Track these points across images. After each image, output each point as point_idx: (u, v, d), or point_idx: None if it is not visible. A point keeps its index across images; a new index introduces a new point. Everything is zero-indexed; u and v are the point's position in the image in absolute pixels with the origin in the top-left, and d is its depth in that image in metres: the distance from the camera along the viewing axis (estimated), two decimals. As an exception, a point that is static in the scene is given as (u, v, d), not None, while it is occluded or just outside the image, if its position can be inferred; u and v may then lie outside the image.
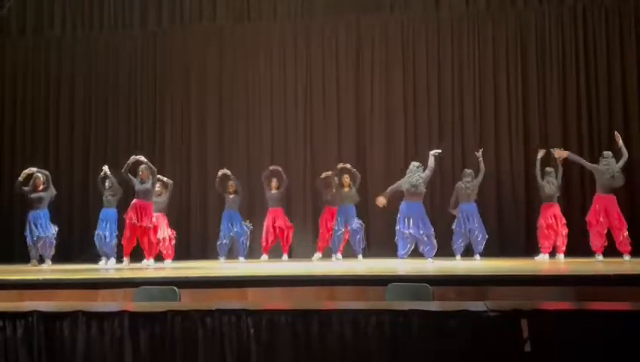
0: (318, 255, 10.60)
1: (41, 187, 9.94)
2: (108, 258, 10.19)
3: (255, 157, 12.30)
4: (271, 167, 10.93)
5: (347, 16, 12.24)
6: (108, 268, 9.53)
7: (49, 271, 8.90)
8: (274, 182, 10.93)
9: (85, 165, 12.59)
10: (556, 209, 9.73)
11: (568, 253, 9.59)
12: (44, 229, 9.86)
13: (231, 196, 10.79)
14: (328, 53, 12.30)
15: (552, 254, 9.59)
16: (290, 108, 12.31)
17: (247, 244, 10.91)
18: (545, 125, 11.50)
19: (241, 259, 10.76)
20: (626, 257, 8.92)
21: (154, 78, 12.73)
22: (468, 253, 10.12)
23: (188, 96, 12.60)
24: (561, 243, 9.62)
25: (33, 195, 9.91)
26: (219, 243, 10.79)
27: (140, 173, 9.28)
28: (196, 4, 12.61)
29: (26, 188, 9.91)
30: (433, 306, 3.64)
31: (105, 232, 10.25)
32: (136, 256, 9.58)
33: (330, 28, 12.34)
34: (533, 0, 11.74)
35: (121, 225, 9.87)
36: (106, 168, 10.26)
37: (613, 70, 11.36)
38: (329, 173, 10.58)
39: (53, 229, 9.99)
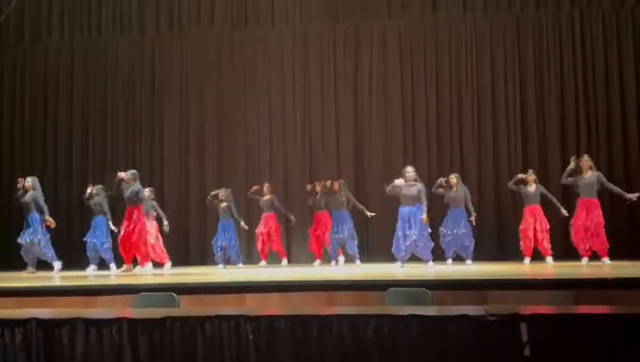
0: (317, 262, 10.65)
1: (30, 192, 9.93)
2: (98, 264, 10.23)
3: (254, 161, 12.32)
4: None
5: (345, 22, 12.26)
6: (96, 274, 9.54)
7: (47, 277, 8.87)
8: (266, 188, 10.96)
9: (84, 170, 12.59)
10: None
11: (569, 257, 9.63)
12: (32, 234, 9.87)
13: (222, 205, 10.79)
14: (326, 58, 12.31)
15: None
16: (289, 112, 12.32)
17: (240, 252, 10.94)
18: (543, 129, 11.52)
19: (240, 265, 10.79)
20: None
21: (152, 83, 12.74)
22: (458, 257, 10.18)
23: (186, 101, 12.60)
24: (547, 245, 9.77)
25: (22, 200, 9.94)
26: (215, 255, 10.84)
27: (125, 178, 9.31)
28: (194, 10, 12.63)
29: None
30: (432, 311, 3.63)
31: (94, 239, 10.34)
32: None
33: (328, 33, 12.35)
34: (530, 5, 11.76)
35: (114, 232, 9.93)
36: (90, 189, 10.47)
37: (610, 74, 11.39)
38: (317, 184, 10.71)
39: (43, 235, 9.97)
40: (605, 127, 11.32)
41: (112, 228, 10.18)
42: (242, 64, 12.48)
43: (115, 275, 9.18)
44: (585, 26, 11.58)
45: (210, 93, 12.56)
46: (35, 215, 9.88)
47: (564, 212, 9.51)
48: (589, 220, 9.00)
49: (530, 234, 9.69)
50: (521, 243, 9.81)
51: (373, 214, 10.51)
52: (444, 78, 11.92)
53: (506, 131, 11.64)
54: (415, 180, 9.17)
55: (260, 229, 10.92)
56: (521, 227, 9.81)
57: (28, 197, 9.90)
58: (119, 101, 12.74)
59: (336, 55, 12.29)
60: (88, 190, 10.50)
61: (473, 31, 11.91)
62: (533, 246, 9.76)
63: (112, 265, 10.20)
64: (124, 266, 9.29)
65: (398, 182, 9.13)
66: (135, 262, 9.32)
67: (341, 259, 10.46)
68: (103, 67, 12.80)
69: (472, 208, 9.93)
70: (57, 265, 9.86)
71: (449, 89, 11.88)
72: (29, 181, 9.99)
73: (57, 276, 9.12)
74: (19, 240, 9.90)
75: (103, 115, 12.74)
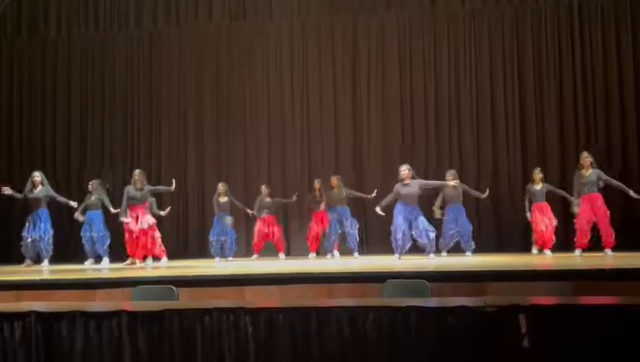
0: (312, 255, 10.70)
1: (39, 187, 9.94)
2: (95, 258, 10.28)
3: (252, 156, 12.31)
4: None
5: (343, 15, 12.24)
6: (94, 268, 9.55)
7: (47, 271, 8.88)
8: (265, 190, 10.95)
9: (82, 165, 12.59)
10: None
11: (568, 249, 9.64)
12: (41, 230, 9.86)
13: (222, 199, 10.79)
14: (325, 51, 12.29)
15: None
16: (287, 106, 12.31)
17: (235, 247, 10.96)
18: (542, 121, 11.52)
19: (230, 258, 10.82)
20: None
21: (150, 78, 12.73)
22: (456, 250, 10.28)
23: (185, 95, 12.59)
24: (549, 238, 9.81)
25: (31, 196, 9.91)
26: (212, 248, 10.87)
27: (135, 178, 9.32)
28: (192, 3, 12.60)
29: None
30: (431, 302, 3.64)
31: (90, 234, 10.34)
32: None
33: (327, 26, 12.32)
34: (529, -3, 11.77)
35: (117, 227, 9.88)
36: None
37: (609, 66, 11.37)
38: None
39: (50, 231, 9.97)
40: (604, 119, 11.31)
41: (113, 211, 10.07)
42: (240, 57, 12.45)
43: (105, 269, 9.19)
44: (583, 17, 11.56)
45: (209, 86, 12.54)
46: (44, 210, 9.86)
47: (577, 202, 9.21)
48: (593, 213, 8.97)
49: (541, 228, 9.80)
50: (533, 236, 9.97)
51: (374, 195, 10.41)
52: (442, 70, 11.90)
53: (505, 123, 11.64)
54: (412, 177, 9.12)
55: (260, 228, 10.90)
56: (531, 222, 9.98)
57: (39, 192, 9.87)
58: (117, 95, 12.72)
59: (334, 48, 12.26)
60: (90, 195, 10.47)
61: (472, 23, 11.88)
62: (543, 237, 9.84)
63: (106, 259, 10.20)
64: (129, 259, 9.34)
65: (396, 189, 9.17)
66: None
67: (336, 253, 10.47)
68: (100, 61, 12.78)
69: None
70: (46, 262, 9.92)
71: (448, 81, 11.87)
72: (38, 176, 9.96)
73: (57, 269, 9.12)
74: (24, 233, 9.89)
75: (101, 109, 12.72)
